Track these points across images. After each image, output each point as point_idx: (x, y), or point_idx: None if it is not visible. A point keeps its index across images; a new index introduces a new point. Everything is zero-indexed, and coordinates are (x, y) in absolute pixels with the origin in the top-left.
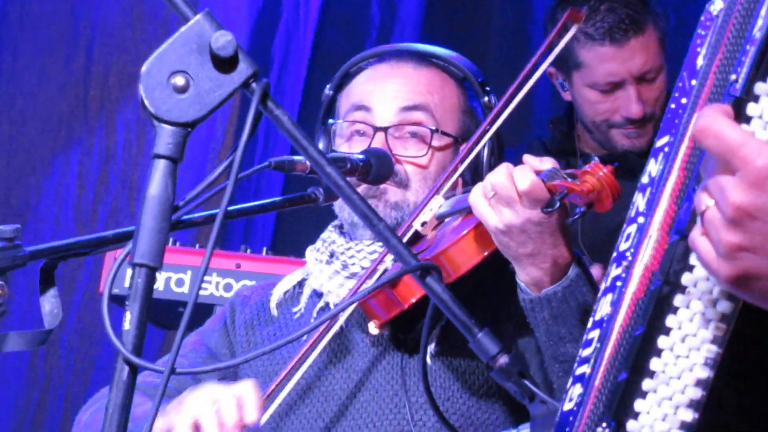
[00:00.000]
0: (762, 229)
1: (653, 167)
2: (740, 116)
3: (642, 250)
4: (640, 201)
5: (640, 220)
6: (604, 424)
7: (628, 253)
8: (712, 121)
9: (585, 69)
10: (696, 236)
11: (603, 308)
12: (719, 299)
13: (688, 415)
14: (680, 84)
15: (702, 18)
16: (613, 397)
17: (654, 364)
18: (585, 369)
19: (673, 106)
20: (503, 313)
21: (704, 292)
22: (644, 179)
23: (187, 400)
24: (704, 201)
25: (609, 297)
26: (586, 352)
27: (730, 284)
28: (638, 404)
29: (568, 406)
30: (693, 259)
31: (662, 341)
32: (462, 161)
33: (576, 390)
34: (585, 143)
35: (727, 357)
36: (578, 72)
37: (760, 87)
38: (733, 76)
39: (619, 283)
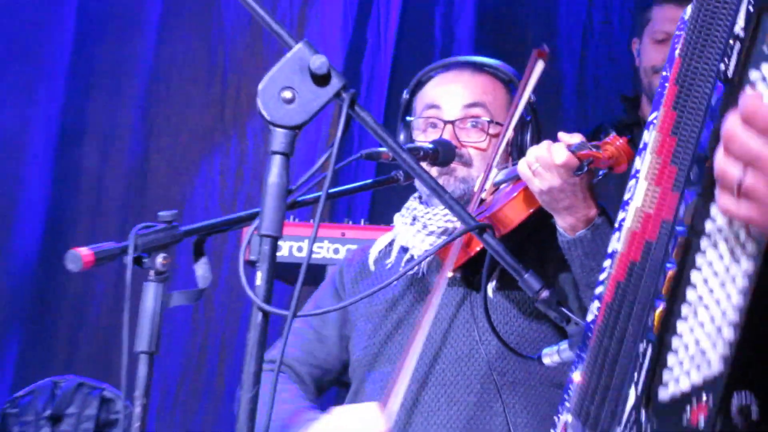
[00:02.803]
0: None
1: (646, 135)
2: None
3: (635, 196)
4: (638, 162)
5: (639, 175)
6: (645, 342)
7: (629, 200)
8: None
9: (651, 23)
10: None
11: (613, 244)
12: (746, 241)
13: (730, 334)
14: (664, 73)
15: (679, 24)
16: (650, 321)
17: (690, 294)
18: (600, 289)
19: (659, 89)
20: (546, 257)
21: (729, 236)
22: (641, 145)
23: None
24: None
25: (616, 235)
26: (602, 277)
27: None
28: (680, 325)
29: (590, 318)
30: (713, 212)
31: (695, 276)
32: (499, 145)
33: (594, 305)
34: (646, 110)
35: (757, 291)
36: (646, 27)
37: (753, 74)
38: (722, 66)
39: (623, 223)
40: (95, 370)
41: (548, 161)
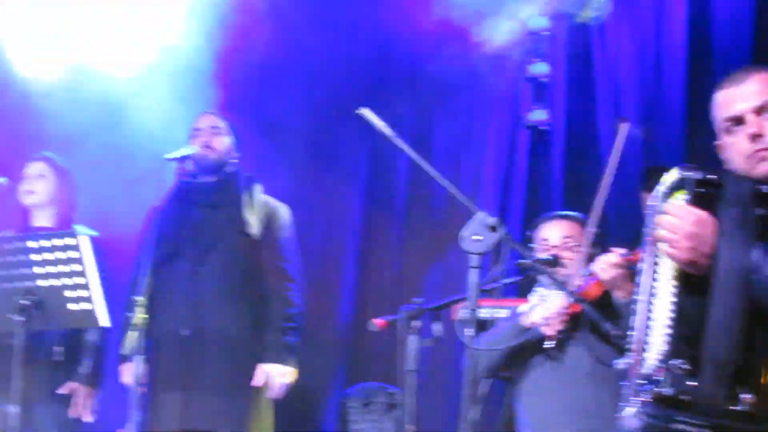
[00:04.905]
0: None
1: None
2: None
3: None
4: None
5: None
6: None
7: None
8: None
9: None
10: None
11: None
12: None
13: (667, 330)
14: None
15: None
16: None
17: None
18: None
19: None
20: (611, 310)
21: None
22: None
23: None
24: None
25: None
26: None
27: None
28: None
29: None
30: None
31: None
32: (583, 256)
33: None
34: None
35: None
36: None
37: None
38: None
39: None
40: (385, 377)
41: (610, 263)
